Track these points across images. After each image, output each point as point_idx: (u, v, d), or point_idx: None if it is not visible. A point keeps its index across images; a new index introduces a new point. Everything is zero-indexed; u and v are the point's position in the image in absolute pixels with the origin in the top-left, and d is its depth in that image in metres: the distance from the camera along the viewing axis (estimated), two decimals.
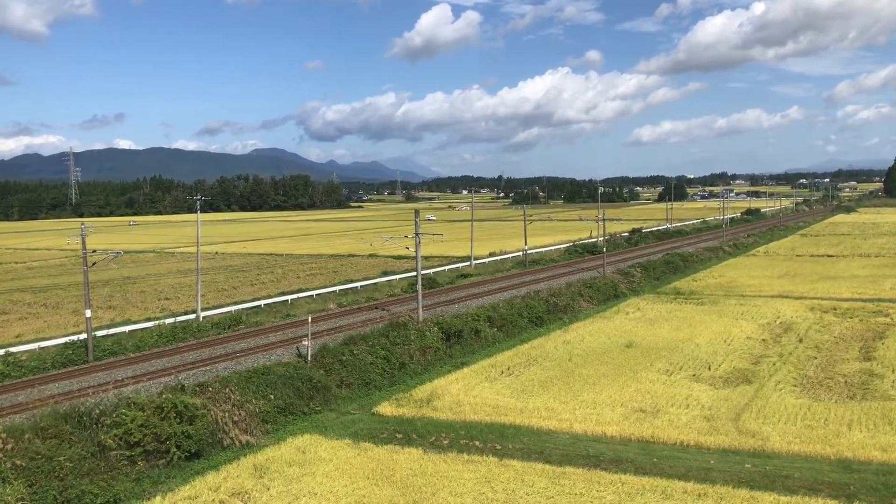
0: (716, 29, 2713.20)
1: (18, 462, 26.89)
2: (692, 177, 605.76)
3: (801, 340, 49.64)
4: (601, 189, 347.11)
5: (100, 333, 49.24)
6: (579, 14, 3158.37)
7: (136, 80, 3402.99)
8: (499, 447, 30.86)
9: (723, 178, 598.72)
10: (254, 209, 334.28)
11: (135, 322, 56.04)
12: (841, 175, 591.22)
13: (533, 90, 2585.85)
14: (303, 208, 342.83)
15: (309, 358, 41.29)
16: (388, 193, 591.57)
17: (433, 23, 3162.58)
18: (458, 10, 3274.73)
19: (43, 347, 46.97)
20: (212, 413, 32.26)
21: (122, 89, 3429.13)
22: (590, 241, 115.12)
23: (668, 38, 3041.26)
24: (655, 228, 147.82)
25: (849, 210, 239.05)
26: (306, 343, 42.21)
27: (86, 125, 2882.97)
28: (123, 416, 30.16)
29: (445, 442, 31.68)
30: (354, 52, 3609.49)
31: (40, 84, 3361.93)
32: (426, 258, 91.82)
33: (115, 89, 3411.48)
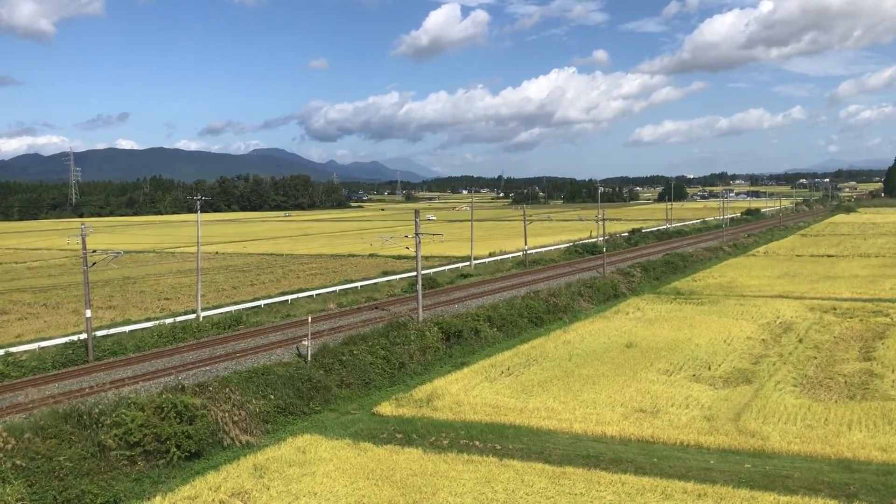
0: (723, 28, 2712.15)
1: (18, 462, 26.89)
2: (692, 177, 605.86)
3: (800, 340, 49.65)
4: (601, 189, 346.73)
5: (100, 333, 49.23)
6: (585, 14, 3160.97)
7: (141, 80, 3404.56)
8: (499, 447, 30.86)
9: (722, 178, 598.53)
10: (254, 209, 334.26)
11: (135, 322, 56.02)
12: (841, 175, 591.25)
13: (537, 90, 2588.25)
14: (303, 208, 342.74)
15: (309, 358, 41.29)
16: (389, 193, 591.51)
17: (441, 22, 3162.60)
18: (465, 10, 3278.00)
19: (43, 347, 46.95)
20: (212, 413, 32.27)
21: (127, 89, 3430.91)
22: (590, 241, 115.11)
23: (672, 38, 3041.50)
24: (655, 228, 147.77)
25: (849, 210, 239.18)
26: (306, 343, 42.22)
27: (88, 125, 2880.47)
28: (123, 416, 30.17)
29: (445, 442, 31.69)
30: (360, 52, 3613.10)
31: (45, 84, 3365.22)
32: (426, 258, 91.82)
33: (120, 89, 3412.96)
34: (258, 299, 66.61)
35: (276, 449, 31.38)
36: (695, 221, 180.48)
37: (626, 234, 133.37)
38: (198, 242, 62.99)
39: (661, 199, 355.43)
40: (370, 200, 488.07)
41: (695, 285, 77.13)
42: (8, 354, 43.27)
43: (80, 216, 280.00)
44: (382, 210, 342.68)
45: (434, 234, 73.12)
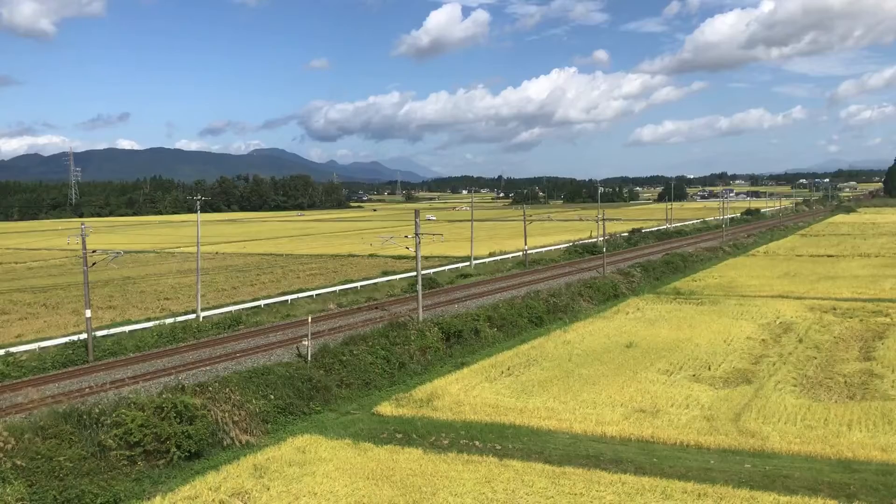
0: (724, 28, 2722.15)
1: (18, 462, 26.90)
2: (692, 177, 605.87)
3: (800, 340, 49.64)
4: (601, 189, 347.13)
5: (100, 333, 49.23)
6: (586, 14, 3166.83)
7: (142, 80, 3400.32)
8: (499, 447, 30.86)
9: (723, 179, 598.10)
10: (254, 209, 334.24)
11: (135, 322, 56.01)
12: (841, 175, 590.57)
13: (537, 90, 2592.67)
14: (303, 208, 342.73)
15: (309, 358, 41.29)
16: (389, 194, 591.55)
17: (442, 22, 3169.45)
18: (466, 10, 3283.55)
19: (43, 347, 46.94)
20: (212, 413, 32.26)
21: (127, 89, 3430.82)
22: (590, 241, 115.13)
23: (673, 38, 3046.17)
24: (655, 228, 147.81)
25: (849, 210, 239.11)
26: (306, 343, 42.22)
27: (89, 125, 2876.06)
28: (123, 416, 30.17)
29: (445, 442, 31.68)
30: (361, 52, 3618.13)
31: (45, 84, 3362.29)
32: (426, 258, 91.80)
33: (120, 89, 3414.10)
34: (258, 299, 66.60)
35: (276, 449, 31.36)
36: (695, 221, 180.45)
37: (626, 234, 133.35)
38: (197, 242, 63.00)
39: (661, 199, 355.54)
40: (370, 200, 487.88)
41: (695, 285, 77.11)
42: (8, 354, 43.30)
43: (80, 216, 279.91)
44: (374, 210, 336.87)
45: (434, 234, 73.12)
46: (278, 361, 41.26)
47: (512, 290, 68.23)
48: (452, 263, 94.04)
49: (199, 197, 70.12)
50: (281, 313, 60.21)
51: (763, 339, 50.22)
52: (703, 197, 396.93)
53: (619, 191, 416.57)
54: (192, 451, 30.30)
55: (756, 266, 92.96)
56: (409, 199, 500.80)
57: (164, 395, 32.26)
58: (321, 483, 27.44)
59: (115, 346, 46.65)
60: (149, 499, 26.83)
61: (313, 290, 72.54)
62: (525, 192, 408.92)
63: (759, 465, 28.47)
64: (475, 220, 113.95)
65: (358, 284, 76.51)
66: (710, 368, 42.93)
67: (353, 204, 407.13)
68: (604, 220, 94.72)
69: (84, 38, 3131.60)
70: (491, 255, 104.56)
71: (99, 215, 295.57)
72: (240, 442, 32.20)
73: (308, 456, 30.25)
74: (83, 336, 45.83)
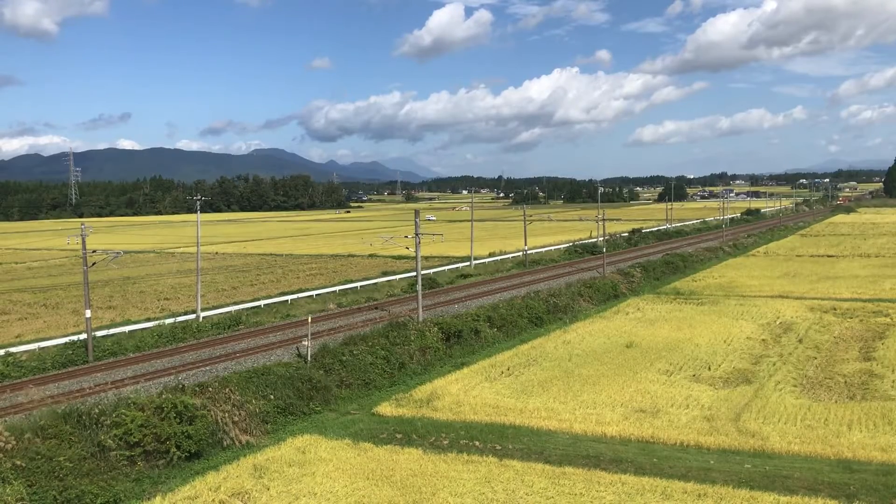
0: (726, 27, 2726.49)
1: (18, 462, 26.89)
2: (692, 177, 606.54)
3: (800, 340, 49.63)
4: (601, 189, 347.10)
5: (100, 333, 49.22)
6: (587, 14, 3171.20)
7: (143, 80, 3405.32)
8: (499, 447, 30.85)
9: (723, 179, 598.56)
10: (254, 209, 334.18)
11: (135, 322, 56.01)
12: (841, 175, 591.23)
13: (538, 90, 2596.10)
14: (303, 208, 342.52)
15: (309, 358, 41.29)
16: (389, 194, 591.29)
17: (444, 22, 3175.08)
18: (468, 10, 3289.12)
19: (43, 347, 46.95)
20: (212, 413, 32.26)
21: (129, 89, 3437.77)
22: (590, 241, 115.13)
23: (674, 38, 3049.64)
24: (655, 229, 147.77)
25: (849, 210, 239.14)
26: (306, 343, 42.22)
27: (90, 125, 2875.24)
28: (123, 417, 30.17)
29: (445, 442, 31.68)
30: (363, 51, 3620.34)
31: (47, 84, 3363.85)
32: (426, 258, 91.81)
33: (122, 89, 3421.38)
34: (258, 299, 66.61)
35: (276, 449, 31.37)
36: (695, 221, 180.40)
37: (626, 234, 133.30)
38: (197, 242, 62.98)
39: (661, 199, 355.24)
40: (370, 201, 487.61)
41: (695, 285, 77.10)
42: (8, 354, 43.26)
43: (80, 216, 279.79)
44: (347, 212, 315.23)
45: (434, 234, 73.10)
46: (278, 361, 41.25)
47: (512, 290, 68.21)
48: (452, 263, 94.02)
49: (199, 197, 70.07)
50: (281, 313, 60.22)
51: (763, 340, 50.22)
52: (703, 197, 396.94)
53: (619, 191, 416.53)
54: (192, 451, 30.31)
55: (756, 266, 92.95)
56: (409, 199, 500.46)
57: (164, 396, 32.24)
58: (321, 483, 27.45)
59: (115, 347, 46.62)
60: (149, 499, 26.84)
61: (313, 290, 72.55)
62: (525, 193, 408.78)
63: (759, 465, 28.47)
64: (475, 220, 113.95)
65: (358, 284, 76.52)
66: (710, 368, 42.93)
67: (352, 204, 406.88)
68: (604, 220, 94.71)
69: (86, 37, 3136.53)
70: (491, 255, 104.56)
71: (99, 215, 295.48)
72: (240, 442, 32.21)
73: (308, 456, 30.25)
74: (83, 336, 45.81)
